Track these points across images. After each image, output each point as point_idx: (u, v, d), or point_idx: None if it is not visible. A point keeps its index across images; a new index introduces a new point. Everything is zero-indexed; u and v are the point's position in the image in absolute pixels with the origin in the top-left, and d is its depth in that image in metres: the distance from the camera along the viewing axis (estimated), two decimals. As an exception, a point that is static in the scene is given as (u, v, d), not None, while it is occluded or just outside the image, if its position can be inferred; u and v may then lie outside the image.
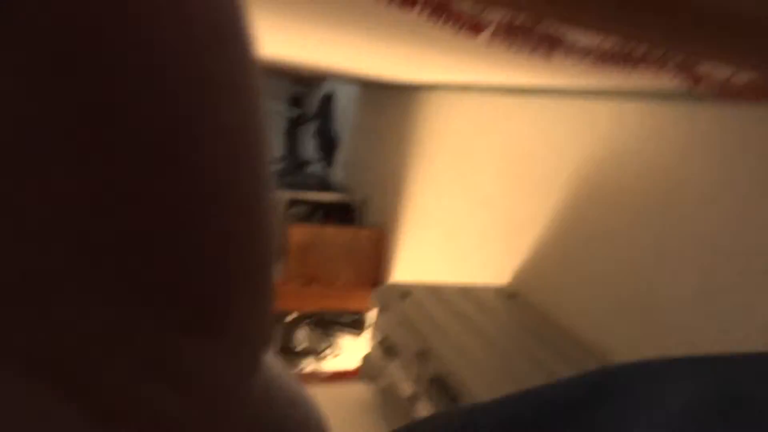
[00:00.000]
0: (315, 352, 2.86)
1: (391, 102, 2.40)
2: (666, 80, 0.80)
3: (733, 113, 0.97)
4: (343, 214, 2.46)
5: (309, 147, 3.16)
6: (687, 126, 1.06)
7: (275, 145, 3.27)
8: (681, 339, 1.04)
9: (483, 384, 1.03)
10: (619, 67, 0.73)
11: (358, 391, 1.57)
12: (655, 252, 1.11)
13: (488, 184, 1.70)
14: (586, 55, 0.70)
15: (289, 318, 2.77)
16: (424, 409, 1.19)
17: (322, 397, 1.61)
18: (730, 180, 0.97)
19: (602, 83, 1.14)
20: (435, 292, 1.41)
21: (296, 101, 3.37)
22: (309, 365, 2.93)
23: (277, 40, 1.31)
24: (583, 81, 1.16)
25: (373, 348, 1.47)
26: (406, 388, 1.27)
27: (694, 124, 1.05)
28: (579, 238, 1.32)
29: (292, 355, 3.02)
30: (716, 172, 1.00)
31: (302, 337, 3.05)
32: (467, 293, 1.42)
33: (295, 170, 2.99)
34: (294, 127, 3.30)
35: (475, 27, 0.63)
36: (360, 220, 2.49)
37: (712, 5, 0.55)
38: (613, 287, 1.21)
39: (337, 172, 2.88)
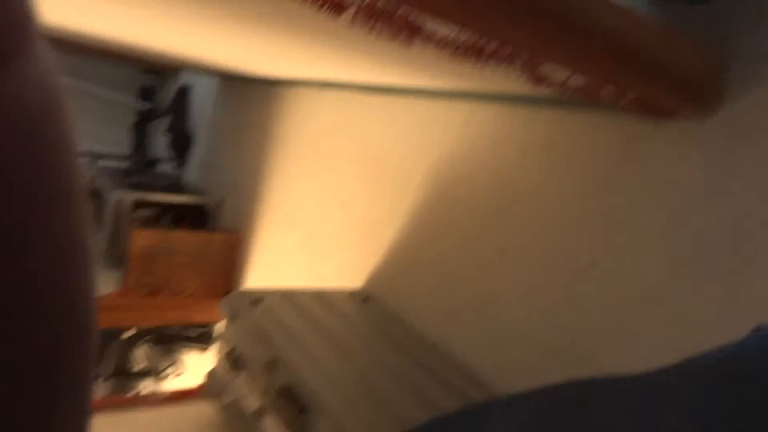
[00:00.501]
0: (155, 371, 2.58)
1: (250, 97, 2.29)
2: (514, 81, 0.85)
3: (568, 117, 1.06)
4: (195, 217, 2.27)
5: (160, 144, 2.91)
6: (529, 129, 1.13)
7: (122, 142, 2.96)
8: (517, 334, 1.09)
9: (331, 392, 0.98)
10: (473, 62, 0.75)
11: (200, 409, 1.44)
12: (498, 251, 1.17)
13: (346, 185, 1.68)
14: (444, 46, 0.73)
15: (126, 335, 2.47)
16: (271, 424, 1.11)
17: (159, 420, 1.43)
18: (560, 181, 1.06)
19: (457, 85, 1.18)
20: (288, 298, 1.34)
21: (147, 93, 3.08)
22: (147, 387, 2.63)
23: (126, 24, 1.15)
24: (440, 83, 1.19)
25: (220, 361, 1.35)
26: (252, 402, 1.18)
27: (533, 128, 1.12)
28: (430, 239, 1.35)
29: (128, 377, 2.69)
30: (550, 173, 1.08)
31: (141, 356, 2.74)
32: (321, 298, 1.37)
33: (143, 169, 2.72)
34: (143, 121, 3.01)
35: (337, 6, 0.63)
36: (214, 223, 2.32)
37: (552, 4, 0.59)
38: (458, 287, 1.24)
39: (191, 172, 2.67)
